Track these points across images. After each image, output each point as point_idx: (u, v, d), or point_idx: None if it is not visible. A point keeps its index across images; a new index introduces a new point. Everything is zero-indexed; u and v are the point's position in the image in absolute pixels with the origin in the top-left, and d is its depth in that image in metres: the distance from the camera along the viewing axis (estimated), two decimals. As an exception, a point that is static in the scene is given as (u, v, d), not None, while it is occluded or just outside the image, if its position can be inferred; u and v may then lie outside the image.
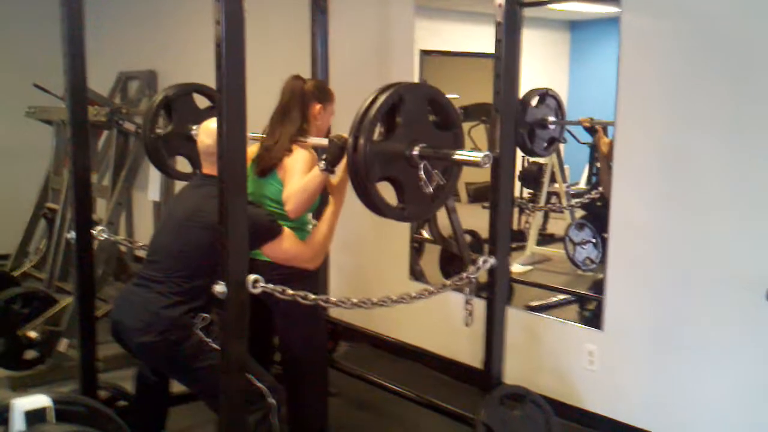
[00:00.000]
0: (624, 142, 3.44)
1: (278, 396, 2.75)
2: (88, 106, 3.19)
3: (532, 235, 4.37)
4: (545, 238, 4.40)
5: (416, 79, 4.38)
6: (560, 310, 3.96)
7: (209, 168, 2.90)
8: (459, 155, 2.51)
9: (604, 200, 3.63)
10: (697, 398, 3.27)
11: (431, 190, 2.53)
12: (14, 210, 5.87)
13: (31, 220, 5.63)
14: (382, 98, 2.39)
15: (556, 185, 4.28)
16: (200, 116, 3.36)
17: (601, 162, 3.82)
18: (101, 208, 5.08)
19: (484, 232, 3.11)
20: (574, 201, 4.18)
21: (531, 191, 4.42)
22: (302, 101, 3.05)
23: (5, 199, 6.48)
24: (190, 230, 2.81)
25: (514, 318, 3.53)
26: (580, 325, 3.76)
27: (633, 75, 3.38)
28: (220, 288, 2.26)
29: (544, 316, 3.93)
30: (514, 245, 4.10)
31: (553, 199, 4.36)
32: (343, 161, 2.61)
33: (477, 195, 4.45)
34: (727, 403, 3.19)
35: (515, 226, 4.29)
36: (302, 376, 3.07)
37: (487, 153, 2.49)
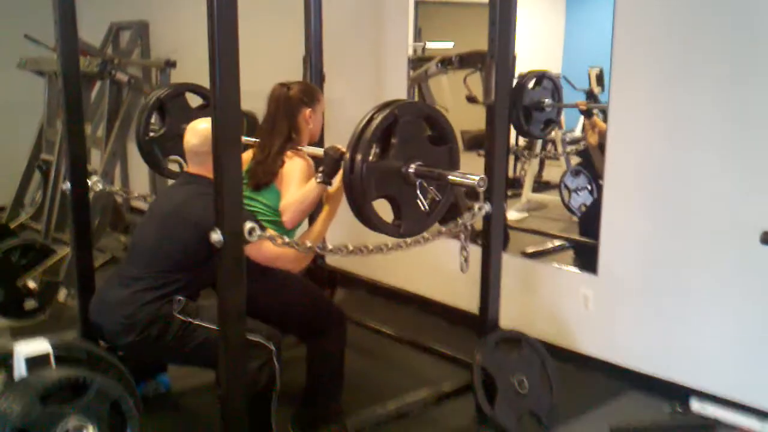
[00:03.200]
0: (620, 88, 3.43)
1: (276, 340, 2.77)
2: (79, 57, 3.16)
3: (528, 182, 4.38)
4: (541, 185, 4.41)
5: (411, 29, 4.34)
6: (556, 256, 3.99)
7: (195, 167, 2.88)
8: (454, 177, 2.53)
9: (600, 147, 3.63)
10: (691, 340, 3.32)
11: (427, 207, 2.55)
12: (9, 162, 5.84)
13: (26, 171, 5.61)
14: (378, 118, 2.39)
15: (552, 133, 4.28)
16: (193, 115, 3.33)
17: (591, 150, 3.81)
18: (96, 159, 5.07)
19: (480, 180, 3.11)
20: (569, 148, 4.18)
21: (527, 139, 4.41)
22: (289, 109, 3.02)
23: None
24: (174, 227, 2.78)
25: (510, 264, 3.56)
26: (575, 270, 3.80)
27: (629, 20, 3.35)
28: (216, 237, 2.26)
29: (540, 261, 3.97)
30: (510, 192, 4.12)
31: (549, 147, 4.36)
32: (340, 173, 2.64)
33: (472, 143, 4.44)
34: (720, 345, 3.24)
35: (511, 174, 4.30)
36: (315, 331, 3.06)
37: (483, 176, 2.52)
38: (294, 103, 3.02)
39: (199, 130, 2.82)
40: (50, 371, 2.23)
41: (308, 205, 2.86)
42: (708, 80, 3.12)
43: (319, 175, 2.77)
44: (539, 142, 4.35)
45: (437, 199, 2.59)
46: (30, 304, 4.31)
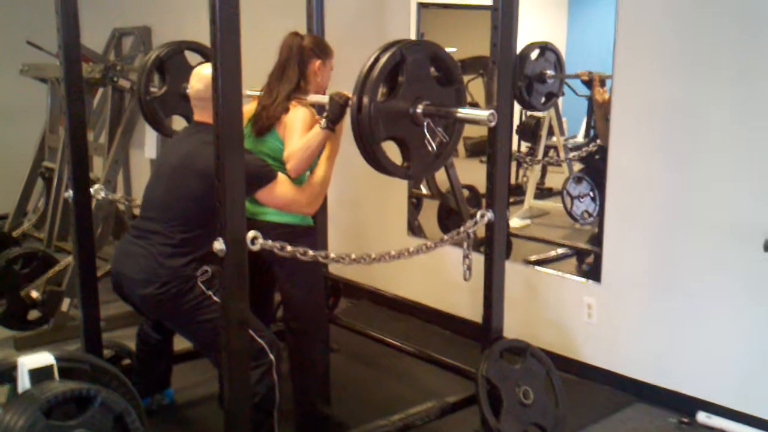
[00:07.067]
0: (621, 92, 3.43)
1: (277, 352, 2.76)
2: (82, 64, 3.16)
3: (530, 189, 4.36)
4: (543, 192, 4.39)
5: (413, 33, 4.34)
6: (558, 264, 3.97)
7: (201, 114, 2.86)
8: (462, 113, 2.50)
9: (602, 153, 3.62)
10: (695, 350, 3.31)
11: (435, 147, 2.52)
12: (11, 169, 5.84)
13: (29, 179, 5.61)
14: (384, 58, 2.37)
15: (554, 139, 4.26)
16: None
17: (596, 112, 3.80)
18: (98, 166, 5.07)
19: (482, 187, 3.10)
20: (571, 154, 4.16)
21: (529, 145, 4.40)
22: (300, 58, 3.00)
23: (1, 159, 6.45)
24: (184, 178, 2.78)
25: (513, 272, 3.55)
26: (578, 278, 3.79)
27: (631, 24, 3.35)
28: (219, 245, 2.25)
29: (543, 269, 3.95)
30: (512, 199, 4.11)
31: (551, 153, 4.34)
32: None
33: (475, 149, 4.43)
34: (727, 356, 3.22)
35: (513, 180, 4.29)
36: (304, 330, 3.08)
37: (492, 110, 2.47)
38: (306, 52, 3.01)
39: (203, 75, 2.78)
40: (54, 384, 2.22)
41: (312, 152, 2.82)
42: (712, 84, 3.12)
43: (323, 120, 2.75)
44: (541, 148, 4.34)
45: (445, 140, 2.56)
46: (33, 314, 4.29)
